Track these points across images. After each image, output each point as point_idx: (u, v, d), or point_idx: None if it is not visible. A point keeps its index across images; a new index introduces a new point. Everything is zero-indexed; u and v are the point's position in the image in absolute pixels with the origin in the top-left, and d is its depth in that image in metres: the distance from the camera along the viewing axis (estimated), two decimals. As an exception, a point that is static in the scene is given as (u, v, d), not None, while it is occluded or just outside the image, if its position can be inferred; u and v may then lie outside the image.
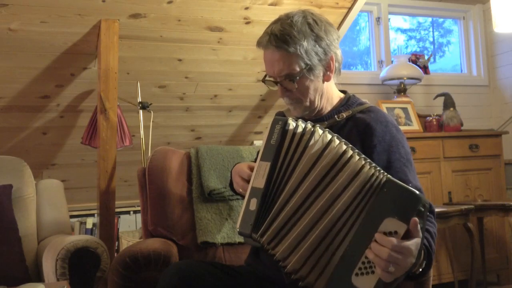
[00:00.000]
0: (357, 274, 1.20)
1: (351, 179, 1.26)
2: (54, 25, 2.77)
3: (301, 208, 1.29)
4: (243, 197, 1.63)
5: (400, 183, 1.22)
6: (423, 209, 1.19)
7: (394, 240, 1.16)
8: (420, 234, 1.20)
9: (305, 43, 1.50)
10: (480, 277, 3.64)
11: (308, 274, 1.27)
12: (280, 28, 1.51)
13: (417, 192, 1.19)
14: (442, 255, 3.60)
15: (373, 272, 1.19)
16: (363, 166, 1.26)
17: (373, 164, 1.27)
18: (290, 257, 1.28)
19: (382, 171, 1.26)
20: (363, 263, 1.20)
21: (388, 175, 1.25)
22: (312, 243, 1.27)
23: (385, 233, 1.18)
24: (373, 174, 1.25)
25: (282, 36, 1.49)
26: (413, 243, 1.19)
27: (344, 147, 1.29)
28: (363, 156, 1.29)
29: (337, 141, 1.30)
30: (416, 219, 1.18)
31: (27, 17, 2.70)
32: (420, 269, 1.34)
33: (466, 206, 3.25)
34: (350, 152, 1.29)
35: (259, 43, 1.56)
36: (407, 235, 1.18)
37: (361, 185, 1.25)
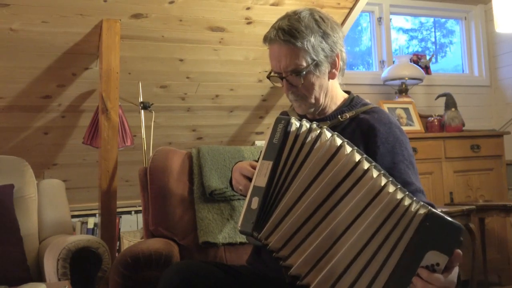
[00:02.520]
0: None
1: (371, 199, 1.21)
2: (55, 25, 2.78)
3: (312, 217, 1.24)
4: (241, 195, 1.62)
5: (442, 215, 1.18)
6: (462, 239, 1.17)
7: (441, 277, 1.15)
8: (458, 263, 1.19)
9: (312, 39, 1.50)
10: (481, 277, 3.64)
11: None
12: (288, 23, 1.51)
13: (459, 224, 1.17)
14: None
15: None
16: (385, 186, 1.21)
17: (399, 186, 1.21)
18: (309, 277, 1.23)
19: (415, 198, 1.21)
20: None
21: (429, 207, 1.19)
22: (336, 267, 1.21)
23: (427, 266, 1.16)
24: (402, 199, 1.19)
25: (289, 31, 1.50)
26: (455, 275, 1.18)
27: (358, 156, 1.24)
28: (383, 171, 1.23)
29: (348, 148, 1.25)
30: (460, 252, 1.17)
31: (28, 17, 2.70)
32: None
33: (467, 207, 3.24)
34: (366, 165, 1.23)
35: (265, 38, 1.56)
36: (448, 265, 1.17)
37: (388, 210, 1.19)
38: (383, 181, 1.21)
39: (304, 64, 1.52)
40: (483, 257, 3.66)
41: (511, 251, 3.87)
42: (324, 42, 1.53)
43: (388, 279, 1.18)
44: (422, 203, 1.20)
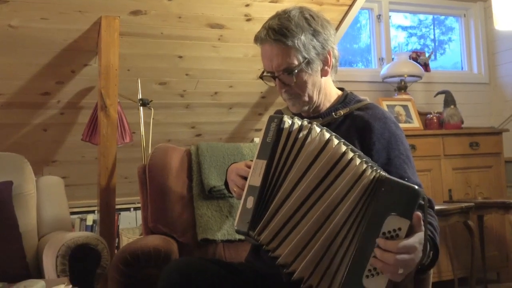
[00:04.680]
0: (367, 276, 1.20)
1: (352, 184, 1.25)
2: (54, 21, 2.77)
3: (300, 210, 1.29)
4: (237, 198, 1.63)
5: (397, 180, 1.23)
6: (423, 202, 1.20)
7: (397, 242, 1.16)
8: (423, 228, 1.20)
9: (302, 37, 1.51)
10: (480, 275, 3.65)
11: (315, 280, 1.27)
12: (278, 23, 1.52)
13: (415, 186, 1.19)
14: (442, 253, 3.59)
15: (382, 272, 1.20)
16: (364, 170, 1.25)
17: (375, 167, 1.26)
18: (295, 264, 1.28)
19: (380, 170, 1.26)
20: (372, 265, 1.20)
21: (385, 174, 1.24)
22: (318, 250, 1.26)
23: (389, 231, 1.18)
24: (374, 177, 1.24)
25: (280, 30, 1.50)
26: (417, 239, 1.19)
27: (344, 148, 1.28)
28: (365, 159, 1.28)
29: (336, 141, 1.29)
30: (419, 213, 1.18)
31: (27, 13, 2.70)
32: (428, 260, 1.34)
33: (466, 204, 3.24)
34: (351, 154, 1.27)
35: (256, 38, 1.57)
36: (411, 230, 1.19)
37: (363, 190, 1.24)
38: (363, 166, 1.26)
39: (296, 62, 1.52)
40: (481, 254, 3.67)
41: (510, 249, 3.87)
42: (315, 39, 1.54)
43: (355, 249, 1.23)
44: (382, 171, 1.25)
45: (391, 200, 1.19)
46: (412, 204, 1.18)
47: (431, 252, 1.34)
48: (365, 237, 1.21)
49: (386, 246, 1.17)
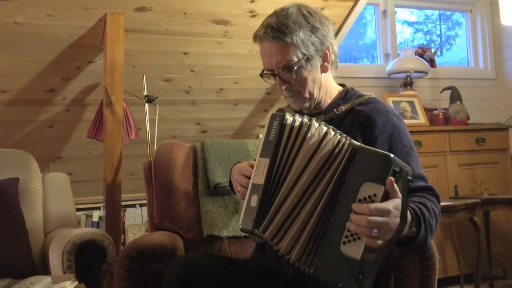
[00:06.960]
0: (344, 243, 1.22)
1: (342, 165, 1.29)
2: (59, 18, 2.78)
3: (300, 202, 1.32)
4: (241, 198, 1.66)
5: (370, 147, 1.27)
6: (398, 170, 1.21)
7: (370, 205, 1.19)
8: (399, 195, 1.21)
9: (301, 33, 1.52)
10: (486, 271, 3.64)
11: (304, 258, 1.30)
12: (276, 20, 1.53)
13: (389, 154, 1.22)
14: (448, 249, 3.60)
15: (359, 238, 1.21)
16: (352, 151, 1.29)
17: (359, 144, 1.31)
18: (293, 250, 1.31)
19: (352, 140, 1.30)
20: (349, 230, 1.22)
21: (359, 144, 1.28)
22: (309, 231, 1.29)
23: (364, 198, 1.21)
24: (348, 147, 1.29)
25: (278, 27, 1.51)
26: (391, 203, 1.20)
27: (339, 137, 1.32)
28: (355, 142, 1.31)
29: (332, 133, 1.33)
30: (392, 178, 1.19)
31: (32, 10, 2.70)
32: (413, 233, 1.35)
33: (472, 200, 3.24)
34: (343, 141, 1.31)
35: (255, 37, 1.58)
36: (387, 197, 1.20)
37: (344, 165, 1.28)
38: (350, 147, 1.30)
39: (295, 59, 1.53)
40: (487, 250, 3.66)
41: (516, 245, 3.86)
42: (313, 36, 1.54)
43: (332, 217, 1.26)
44: (354, 141, 1.29)
45: (366, 168, 1.23)
46: (385, 170, 1.20)
47: (414, 223, 1.34)
48: (342, 205, 1.24)
49: (360, 209, 1.19)
